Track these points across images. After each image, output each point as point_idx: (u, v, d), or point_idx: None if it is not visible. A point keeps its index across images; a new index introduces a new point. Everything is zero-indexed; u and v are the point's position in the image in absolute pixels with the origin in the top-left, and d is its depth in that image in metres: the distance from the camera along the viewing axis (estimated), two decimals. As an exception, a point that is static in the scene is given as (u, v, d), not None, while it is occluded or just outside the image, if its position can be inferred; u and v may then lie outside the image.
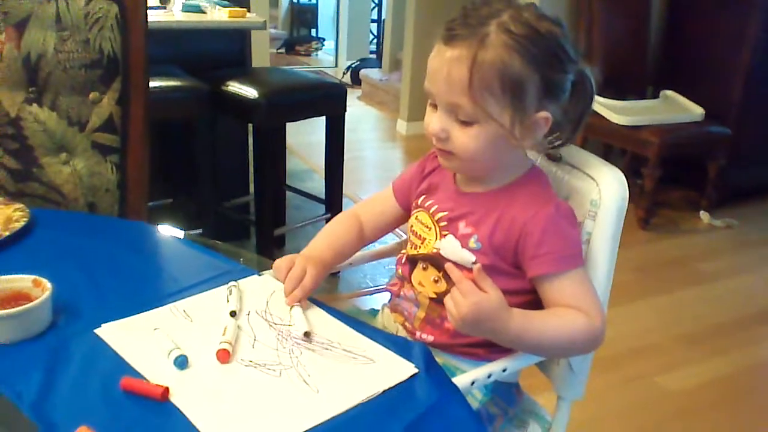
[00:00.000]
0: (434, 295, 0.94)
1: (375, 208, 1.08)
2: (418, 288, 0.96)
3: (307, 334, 0.79)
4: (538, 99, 0.85)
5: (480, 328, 0.81)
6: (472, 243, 0.90)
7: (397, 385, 0.72)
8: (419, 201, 1.00)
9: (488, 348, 0.93)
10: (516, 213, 0.88)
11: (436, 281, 0.94)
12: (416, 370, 0.74)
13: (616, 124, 3.10)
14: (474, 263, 0.87)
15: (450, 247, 0.92)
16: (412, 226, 1.00)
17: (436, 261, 0.93)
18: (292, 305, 0.86)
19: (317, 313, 0.86)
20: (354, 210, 1.09)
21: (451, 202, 0.95)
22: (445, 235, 0.93)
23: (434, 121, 0.88)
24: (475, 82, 0.82)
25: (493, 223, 0.89)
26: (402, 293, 1.00)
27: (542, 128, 0.87)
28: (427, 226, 0.96)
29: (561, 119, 0.89)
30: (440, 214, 0.95)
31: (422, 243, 0.96)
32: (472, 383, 0.84)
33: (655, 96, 3.47)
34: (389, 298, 1.04)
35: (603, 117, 3.15)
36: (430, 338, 0.94)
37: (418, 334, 0.96)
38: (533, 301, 0.89)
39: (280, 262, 0.92)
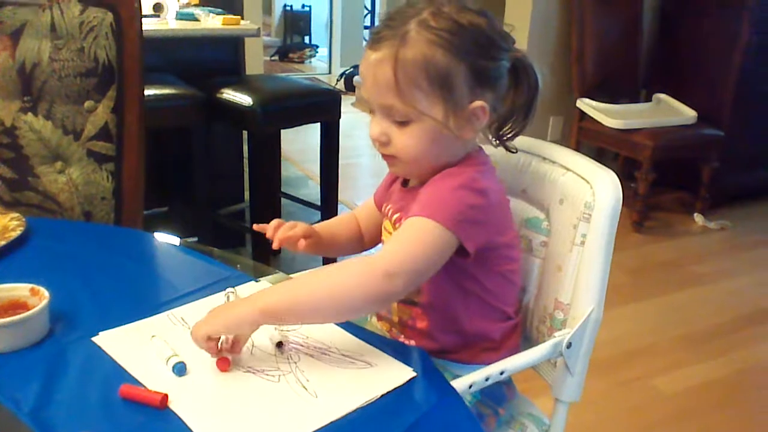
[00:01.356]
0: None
1: (368, 217, 1.09)
2: None
3: (279, 345, 0.80)
4: (469, 88, 0.85)
5: (222, 322, 0.76)
6: None
7: (395, 389, 0.72)
8: (384, 209, 1.01)
9: (472, 349, 0.94)
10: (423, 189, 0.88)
11: None
12: (414, 374, 0.75)
13: (609, 127, 3.12)
14: None
15: None
16: (381, 233, 1.01)
17: None
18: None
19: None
20: (354, 212, 1.11)
21: (400, 202, 0.96)
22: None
23: (373, 126, 0.89)
24: (401, 79, 0.83)
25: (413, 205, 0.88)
26: None
27: (480, 118, 0.87)
28: (389, 231, 0.98)
29: (505, 109, 0.90)
30: (395, 217, 0.96)
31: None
32: (470, 386, 0.84)
33: (648, 99, 3.49)
34: None
35: (596, 121, 3.17)
36: (412, 343, 0.95)
37: (401, 339, 0.96)
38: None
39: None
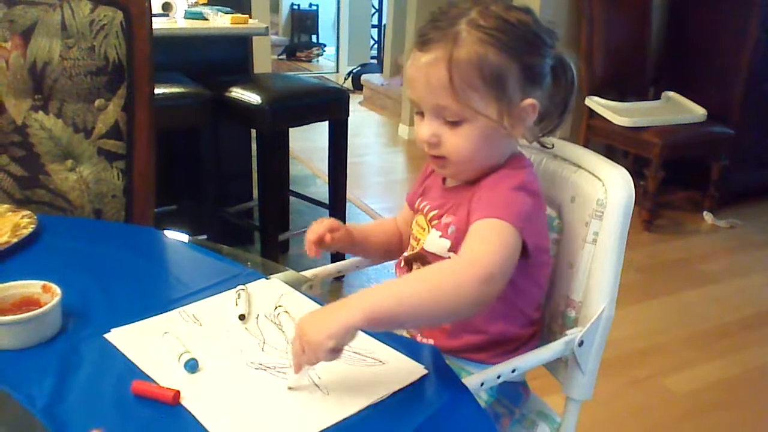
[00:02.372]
0: None
1: (405, 220, 1.08)
2: None
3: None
4: (521, 87, 0.86)
5: (328, 325, 0.70)
6: (450, 231, 0.90)
7: (407, 386, 0.72)
8: (417, 205, 1.01)
9: (491, 352, 0.93)
10: (478, 189, 0.88)
11: None
12: (426, 372, 0.74)
13: (619, 125, 3.10)
14: (449, 251, 0.88)
15: (431, 240, 0.93)
16: (412, 230, 1.00)
17: (424, 258, 0.94)
18: (278, 313, 0.86)
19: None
20: (395, 217, 1.12)
21: (440, 200, 0.96)
22: (431, 231, 0.94)
23: (423, 128, 0.88)
24: (456, 80, 0.83)
25: (466, 208, 0.89)
26: None
27: (531, 115, 0.88)
28: (422, 227, 0.97)
29: (547, 105, 0.90)
30: (431, 213, 0.96)
31: (417, 244, 0.97)
32: (482, 384, 0.84)
33: (657, 97, 3.48)
34: None
35: (605, 119, 3.16)
36: (430, 341, 0.94)
37: (419, 338, 0.96)
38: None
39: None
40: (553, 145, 0.99)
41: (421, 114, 0.89)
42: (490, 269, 0.76)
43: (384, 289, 0.76)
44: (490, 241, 0.80)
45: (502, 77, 0.84)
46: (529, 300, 0.94)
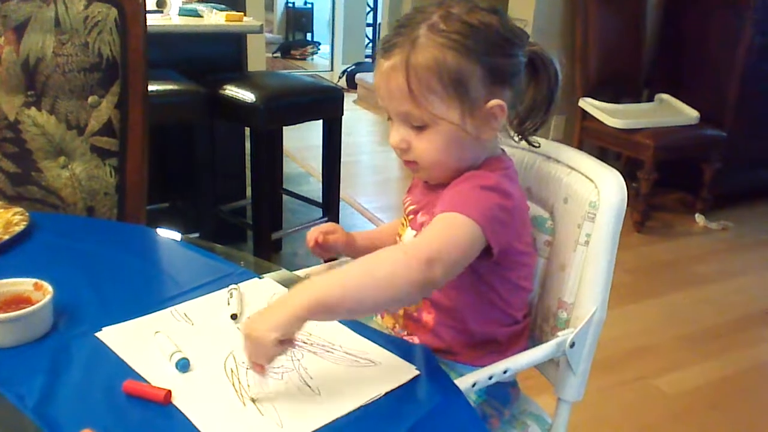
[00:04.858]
0: None
1: None
2: None
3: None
4: (485, 88, 0.85)
5: (270, 318, 0.70)
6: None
7: (399, 387, 0.72)
8: (403, 201, 1.02)
9: (478, 351, 0.94)
10: (447, 188, 0.88)
11: None
12: (418, 372, 0.75)
13: (612, 127, 3.11)
14: None
15: (407, 239, 0.94)
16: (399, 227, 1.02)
17: None
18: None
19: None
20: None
21: (420, 198, 0.97)
22: (407, 230, 0.95)
23: (392, 134, 0.89)
24: (414, 85, 0.83)
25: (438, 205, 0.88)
26: None
27: (498, 117, 0.87)
28: (403, 224, 0.99)
29: (526, 103, 0.90)
30: (409, 209, 0.97)
31: (399, 240, 0.98)
32: (473, 385, 0.84)
33: (650, 99, 3.49)
34: None
35: (598, 120, 3.17)
36: (415, 339, 0.95)
37: (404, 335, 0.96)
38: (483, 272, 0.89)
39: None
40: (539, 144, 0.99)
41: (392, 120, 0.90)
42: (426, 255, 0.76)
43: (327, 279, 0.77)
44: (435, 230, 0.81)
45: (463, 80, 0.83)
46: (511, 300, 0.94)
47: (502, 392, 0.97)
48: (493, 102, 0.85)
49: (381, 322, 1.02)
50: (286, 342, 0.70)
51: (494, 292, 0.91)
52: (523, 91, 0.90)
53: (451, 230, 0.80)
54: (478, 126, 0.86)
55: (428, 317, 0.94)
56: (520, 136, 0.95)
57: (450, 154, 0.87)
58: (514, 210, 0.86)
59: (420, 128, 0.86)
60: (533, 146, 0.98)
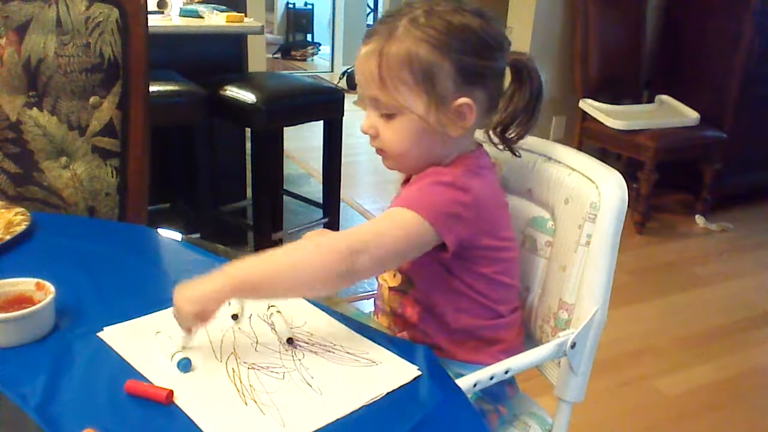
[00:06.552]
0: (394, 285, 0.98)
1: None
2: (381, 282, 1.01)
3: (290, 341, 0.80)
4: (455, 85, 0.86)
5: (191, 292, 0.76)
6: None
7: (400, 387, 0.72)
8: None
9: (468, 346, 0.95)
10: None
11: (394, 275, 0.98)
12: (419, 372, 0.75)
13: (612, 128, 3.11)
14: None
15: None
16: None
17: None
18: (271, 313, 0.86)
19: (319, 316, 0.86)
20: None
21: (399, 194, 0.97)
22: None
23: (365, 119, 0.91)
24: (384, 72, 0.85)
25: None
26: (378, 294, 1.04)
27: (467, 116, 0.87)
28: None
29: (509, 111, 0.91)
30: (389, 204, 0.97)
31: None
32: (475, 385, 0.85)
33: (651, 100, 3.49)
34: (374, 303, 1.08)
35: (598, 121, 3.17)
36: (404, 334, 0.96)
37: (395, 332, 0.97)
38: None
39: None
40: (520, 154, 0.99)
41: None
42: (354, 244, 0.79)
43: (250, 262, 0.79)
44: (375, 222, 0.84)
45: (432, 73, 0.84)
46: (490, 296, 0.94)
47: (498, 389, 0.97)
48: (462, 100, 0.86)
49: (379, 322, 1.02)
50: (204, 316, 0.75)
51: (467, 287, 0.92)
52: (500, 96, 0.91)
53: (391, 225, 0.83)
54: (445, 122, 0.87)
55: (411, 312, 0.95)
56: (503, 144, 0.95)
57: (415, 146, 0.89)
58: (473, 205, 0.86)
59: (389, 116, 0.88)
60: (515, 155, 0.99)
